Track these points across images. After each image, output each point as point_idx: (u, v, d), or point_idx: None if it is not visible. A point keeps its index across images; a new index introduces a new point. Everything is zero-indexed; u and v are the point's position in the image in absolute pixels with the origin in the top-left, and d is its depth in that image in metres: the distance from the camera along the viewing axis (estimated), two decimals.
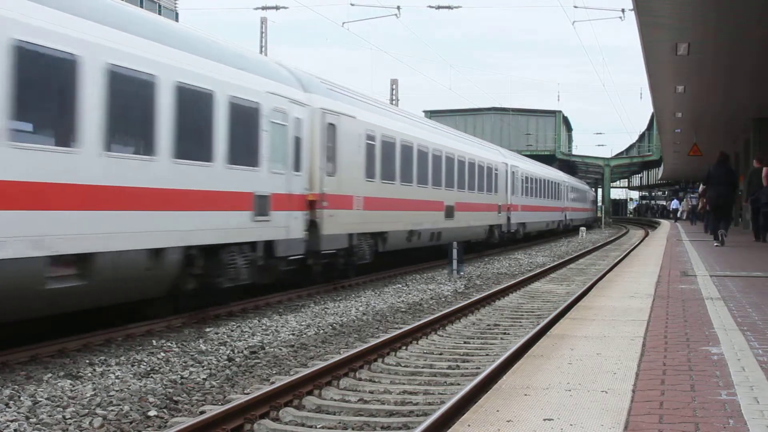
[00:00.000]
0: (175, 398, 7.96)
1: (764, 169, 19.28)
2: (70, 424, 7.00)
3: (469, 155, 28.77)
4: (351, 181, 17.79)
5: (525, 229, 38.70)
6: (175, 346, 10.57)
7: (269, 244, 14.06)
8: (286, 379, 8.20)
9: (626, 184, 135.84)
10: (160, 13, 32.07)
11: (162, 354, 10.01)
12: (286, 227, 14.62)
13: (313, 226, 15.94)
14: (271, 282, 14.90)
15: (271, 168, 14.08)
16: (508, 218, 34.63)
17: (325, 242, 16.45)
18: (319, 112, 16.32)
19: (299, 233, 15.26)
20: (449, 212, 25.54)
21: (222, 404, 7.70)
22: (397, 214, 20.72)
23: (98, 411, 7.37)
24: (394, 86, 55.57)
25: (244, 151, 13.26)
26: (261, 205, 13.63)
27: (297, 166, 15.23)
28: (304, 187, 15.57)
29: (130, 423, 7.13)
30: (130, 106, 10.63)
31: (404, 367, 9.82)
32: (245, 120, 13.31)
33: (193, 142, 11.98)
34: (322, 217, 16.25)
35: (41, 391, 7.99)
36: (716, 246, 19.48)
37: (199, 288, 12.49)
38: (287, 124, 14.77)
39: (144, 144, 10.92)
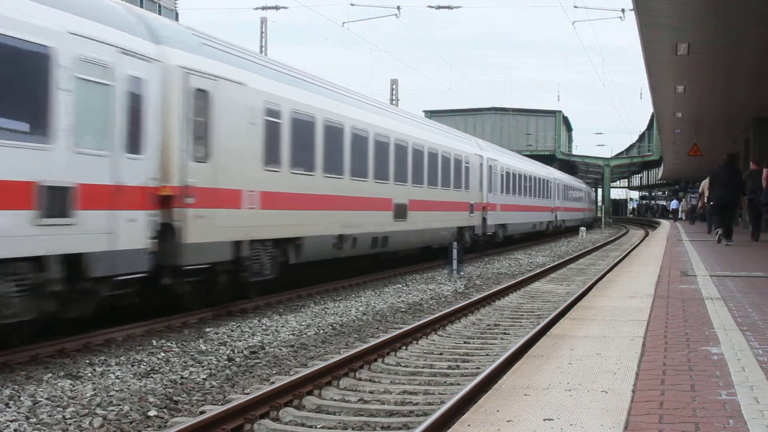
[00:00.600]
0: (175, 398, 7.97)
1: (765, 170, 19.35)
2: (70, 424, 7.00)
3: (430, 144, 23.98)
4: (237, 171, 13.36)
5: (506, 231, 34.24)
6: (175, 346, 10.57)
7: (75, 260, 9.80)
8: (286, 379, 8.20)
9: (626, 184, 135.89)
10: (160, 13, 32.03)
11: (162, 354, 10.01)
12: (110, 234, 10.31)
13: (169, 231, 11.75)
14: (89, 312, 10.52)
15: (76, 145, 9.75)
16: (484, 219, 30.11)
17: (190, 254, 12.09)
18: (179, 72, 11.96)
19: (139, 242, 10.94)
20: (400, 212, 21.06)
21: (222, 404, 7.70)
22: (317, 215, 16.23)
23: (98, 411, 7.37)
24: (394, 86, 55.57)
25: (16, 116, 8.98)
26: (54, 200, 9.34)
27: (134, 146, 10.88)
28: (149, 176, 11.23)
29: (130, 423, 7.13)
30: None
31: (404, 367, 9.82)
32: (17, 68, 8.96)
33: None
34: (185, 219, 11.93)
35: (41, 391, 8.00)
36: (719, 244, 19.93)
37: None
38: (113, 83, 10.42)
39: None
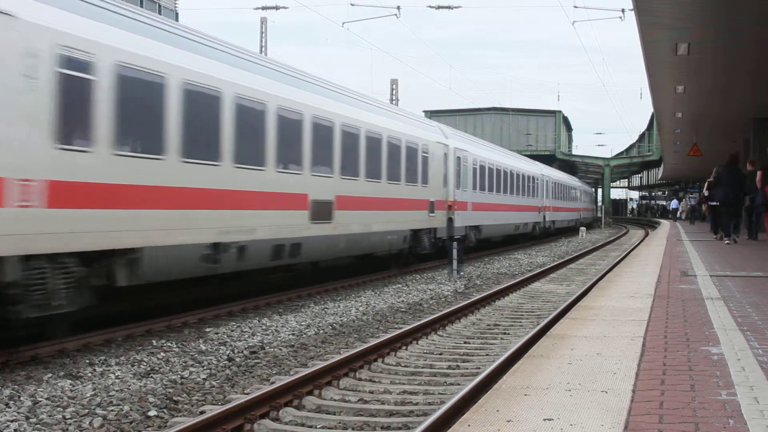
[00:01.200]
0: (175, 398, 7.97)
1: (758, 173, 19.48)
2: (70, 424, 7.00)
3: (368, 126, 18.78)
4: None
5: (480, 234, 29.21)
6: (175, 346, 10.57)
7: None
8: (286, 379, 8.20)
9: (626, 184, 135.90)
10: (160, 13, 32.05)
11: (162, 354, 10.01)
12: None
13: None
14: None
15: None
16: (450, 220, 24.92)
17: None
18: None
19: None
20: (321, 211, 16.26)
21: (222, 404, 7.70)
22: (168, 216, 11.65)
23: (98, 411, 7.37)
24: (394, 86, 55.62)
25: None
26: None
27: None
28: None
29: (130, 423, 7.13)
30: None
31: (404, 367, 9.82)
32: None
33: None
34: None
35: (41, 391, 8.00)
36: (727, 243, 20.62)
37: None
38: None
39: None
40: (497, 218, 32.20)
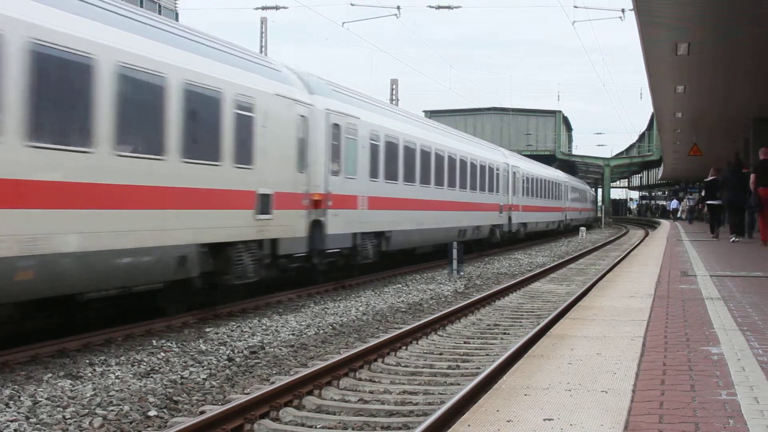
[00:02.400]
0: (175, 398, 7.97)
1: (752, 175, 19.79)
2: (70, 424, 7.00)
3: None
4: None
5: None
6: (175, 346, 10.57)
7: None
8: (286, 379, 8.20)
9: (626, 184, 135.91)
10: (160, 13, 32.05)
11: (162, 354, 10.01)
12: None
13: None
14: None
15: None
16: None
17: None
18: None
19: None
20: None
21: (222, 404, 7.70)
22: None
23: (98, 411, 7.37)
24: (394, 86, 55.63)
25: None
26: None
27: None
28: None
29: (130, 423, 7.13)
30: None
31: (404, 367, 9.82)
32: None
33: None
34: None
35: (41, 391, 8.00)
36: (733, 241, 21.52)
37: None
38: None
39: None
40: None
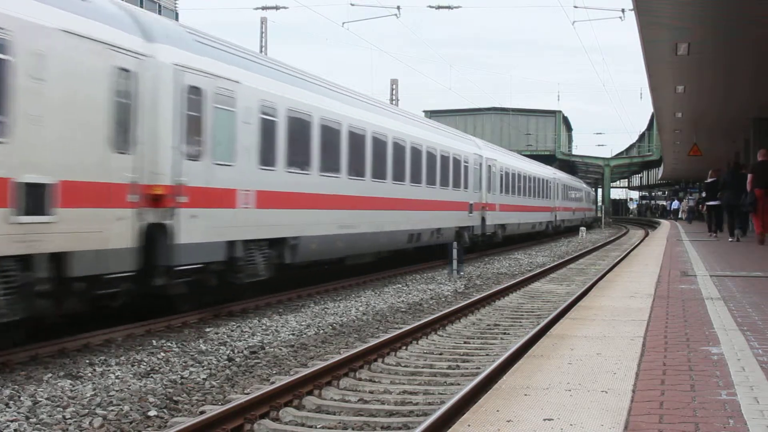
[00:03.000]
0: (175, 398, 7.97)
1: (749, 175, 20.23)
2: (70, 424, 7.00)
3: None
4: None
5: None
6: (175, 346, 10.57)
7: None
8: (286, 379, 8.20)
9: (626, 184, 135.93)
10: (160, 13, 32.02)
11: (162, 354, 10.01)
12: None
13: None
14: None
15: None
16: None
17: None
18: None
19: None
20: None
21: (222, 404, 7.70)
22: None
23: (98, 411, 7.37)
24: (394, 86, 55.63)
25: None
26: None
27: None
28: None
29: (130, 423, 7.13)
30: None
31: (404, 367, 9.82)
32: None
33: None
34: None
35: (41, 391, 8.00)
36: (730, 240, 22.21)
37: None
38: None
39: None
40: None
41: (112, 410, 7.40)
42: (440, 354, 10.67)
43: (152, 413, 7.40)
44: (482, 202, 28.97)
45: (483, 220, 28.96)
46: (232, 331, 11.83)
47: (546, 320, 12.19)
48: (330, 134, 16.91)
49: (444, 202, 24.69)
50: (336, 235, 17.02)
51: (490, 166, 30.11)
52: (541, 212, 42.02)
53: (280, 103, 14.81)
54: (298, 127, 15.50)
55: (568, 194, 53.40)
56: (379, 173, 19.63)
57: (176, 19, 43.87)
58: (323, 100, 16.85)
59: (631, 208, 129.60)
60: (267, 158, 14.34)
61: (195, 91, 12.28)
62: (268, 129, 14.35)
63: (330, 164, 16.91)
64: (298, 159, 15.55)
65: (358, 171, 18.39)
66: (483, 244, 29.44)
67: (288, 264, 15.12)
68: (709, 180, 26.88)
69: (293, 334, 11.77)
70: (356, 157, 18.28)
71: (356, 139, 18.28)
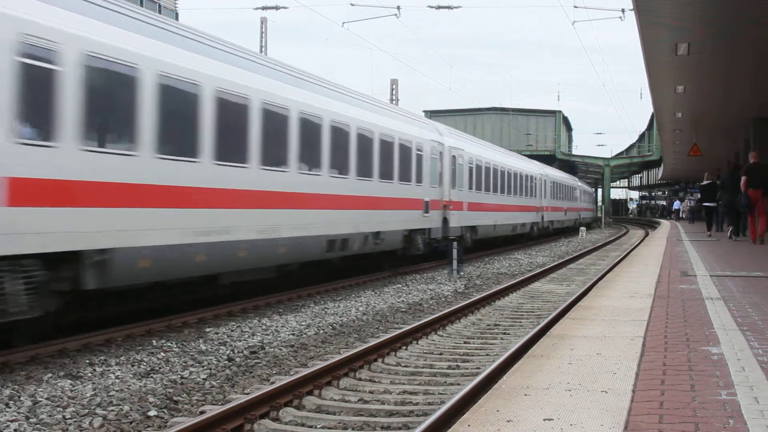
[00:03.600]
0: (175, 398, 7.97)
1: (743, 177, 20.82)
2: (70, 424, 7.00)
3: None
4: None
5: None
6: (175, 346, 10.57)
7: None
8: (286, 379, 8.20)
9: (626, 184, 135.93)
10: (160, 13, 32.03)
11: (162, 354, 10.01)
12: None
13: None
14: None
15: None
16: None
17: None
18: None
19: None
20: None
21: (222, 404, 7.70)
22: None
23: (98, 411, 7.37)
24: (394, 86, 55.61)
25: None
26: None
27: None
28: None
29: (130, 423, 7.13)
30: None
31: (404, 367, 9.82)
32: None
33: None
34: None
35: (41, 391, 8.00)
36: (730, 238, 22.95)
37: None
38: None
39: None
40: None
41: (112, 410, 7.40)
42: (440, 354, 10.67)
43: (152, 413, 7.40)
44: (443, 199, 23.85)
45: (445, 221, 24.10)
46: (232, 331, 11.83)
47: (546, 320, 12.19)
48: (179, 100, 11.60)
49: (385, 199, 19.59)
50: (191, 244, 11.81)
51: (455, 156, 24.56)
52: (525, 212, 37.22)
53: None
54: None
55: (560, 193, 49.05)
56: (276, 160, 14.34)
57: (176, 19, 43.88)
58: (164, 48, 11.35)
59: (631, 208, 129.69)
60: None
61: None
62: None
63: (185, 146, 11.75)
64: (114, 133, 10.45)
65: (236, 156, 13.05)
66: (444, 252, 23.12)
67: (101, 288, 10.27)
68: (704, 182, 28.31)
69: (293, 334, 11.77)
70: (234, 139, 13.00)
71: (236, 111, 13.04)
